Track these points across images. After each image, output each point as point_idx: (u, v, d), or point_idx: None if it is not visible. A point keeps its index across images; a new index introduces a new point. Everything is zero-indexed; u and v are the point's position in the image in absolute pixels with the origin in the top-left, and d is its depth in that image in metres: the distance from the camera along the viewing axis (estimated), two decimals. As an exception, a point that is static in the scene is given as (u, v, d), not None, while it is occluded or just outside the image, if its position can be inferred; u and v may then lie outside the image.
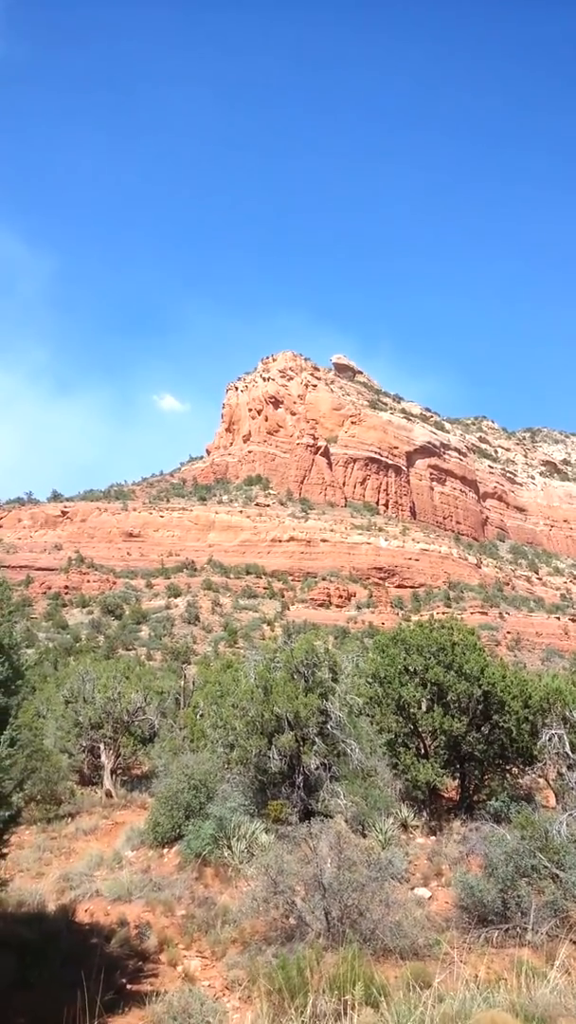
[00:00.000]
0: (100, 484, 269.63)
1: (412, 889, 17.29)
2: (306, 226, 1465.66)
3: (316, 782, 21.98)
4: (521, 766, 23.74)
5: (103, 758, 32.76)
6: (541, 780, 25.30)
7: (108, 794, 31.19)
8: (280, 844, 18.31)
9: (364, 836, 19.72)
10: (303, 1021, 8.46)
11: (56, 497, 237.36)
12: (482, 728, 23.15)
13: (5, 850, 13.78)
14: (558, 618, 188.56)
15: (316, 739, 22.01)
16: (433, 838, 21.12)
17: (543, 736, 20.25)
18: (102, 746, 33.03)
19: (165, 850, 21.53)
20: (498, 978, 10.90)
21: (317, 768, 21.83)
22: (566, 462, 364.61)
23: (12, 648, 12.94)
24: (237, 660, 48.35)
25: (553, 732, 19.39)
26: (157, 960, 14.66)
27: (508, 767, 23.90)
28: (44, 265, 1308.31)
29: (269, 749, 21.63)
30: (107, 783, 31.80)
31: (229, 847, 19.10)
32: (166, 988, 12.76)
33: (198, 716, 34.05)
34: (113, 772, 32.65)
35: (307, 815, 20.64)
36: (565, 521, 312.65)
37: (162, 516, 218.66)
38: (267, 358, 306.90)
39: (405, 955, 13.09)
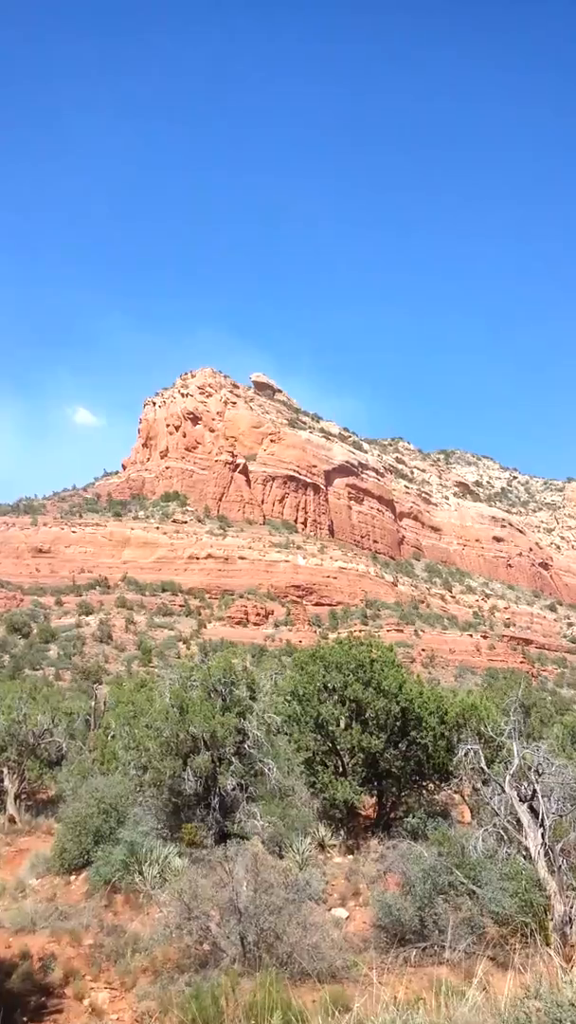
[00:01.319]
0: (8, 498, 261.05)
1: (330, 910, 17.04)
2: (225, 243, 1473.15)
3: (232, 803, 21.51)
4: (437, 782, 23.93)
5: (6, 783, 31.39)
6: (457, 796, 25.58)
7: (11, 820, 29.84)
8: (194, 868, 17.76)
9: (281, 857, 19.38)
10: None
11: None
12: (400, 744, 23.21)
13: None
14: (470, 635, 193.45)
15: (233, 759, 21.57)
16: (351, 857, 20.96)
17: (459, 752, 20.41)
18: (5, 770, 31.66)
19: (72, 877, 20.62)
20: (417, 998, 10.71)
21: (234, 789, 21.37)
22: (478, 483, 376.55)
23: None
24: (151, 679, 47.35)
25: (468, 747, 19.53)
26: (62, 994, 13.88)
27: (425, 783, 24.05)
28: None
29: (184, 770, 21.06)
30: (10, 808, 30.43)
31: (140, 873, 18.40)
32: (71, 1025, 12.06)
33: (109, 737, 33.03)
34: (17, 797, 31.29)
35: (223, 837, 20.14)
36: (477, 540, 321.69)
37: (74, 532, 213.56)
38: (186, 374, 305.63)
39: (323, 978, 12.79)
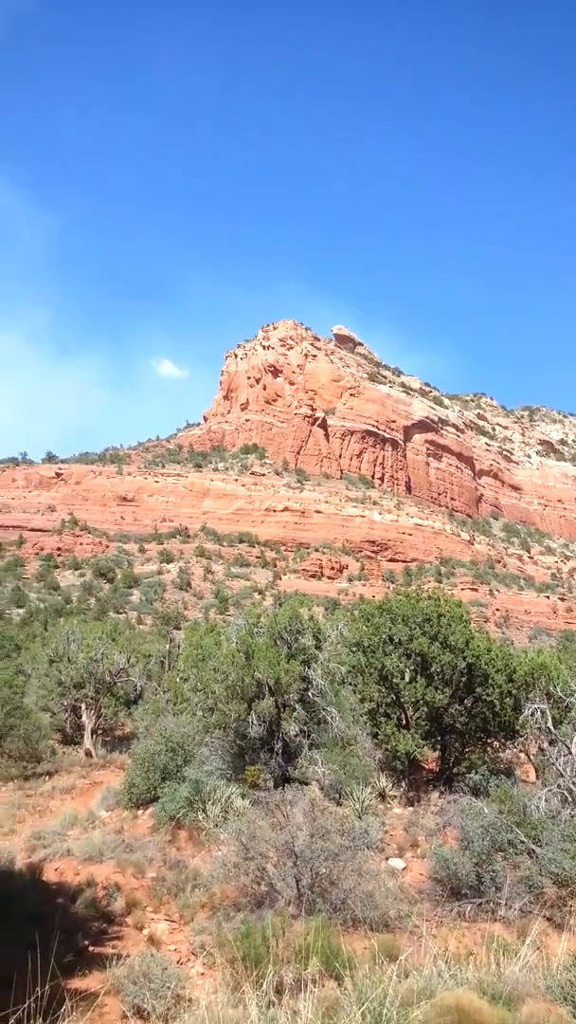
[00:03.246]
0: (96, 447, 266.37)
1: (387, 859, 17.07)
2: (308, 197, 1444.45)
3: (295, 749, 21.72)
4: (502, 740, 23.54)
5: (84, 718, 32.57)
6: (522, 755, 25.14)
7: (88, 754, 31.04)
8: (255, 810, 18.04)
9: (340, 804, 19.47)
10: (260, 993, 8.10)
11: (51, 458, 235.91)
12: (465, 701, 22.88)
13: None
14: (547, 597, 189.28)
15: (296, 706, 21.69)
16: (410, 809, 20.91)
17: (526, 711, 19.95)
18: (83, 706, 32.83)
19: (140, 811, 21.30)
20: (468, 953, 10.61)
21: (296, 735, 21.54)
22: (563, 442, 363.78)
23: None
24: (222, 625, 48.01)
25: (536, 707, 19.07)
26: (123, 922, 14.38)
27: (489, 740, 23.70)
28: (48, 224, 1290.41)
29: (248, 714, 21.31)
30: (87, 743, 31.64)
31: (204, 811, 18.82)
32: (129, 951, 12.46)
33: (180, 679, 33.81)
34: (94, 732, 32.48)
35: (284, 781, 20.38)
36: (559, 501, 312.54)
37: (157, 481, 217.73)
38: (267, 326, 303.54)
39: (376, 927, 12.82)
